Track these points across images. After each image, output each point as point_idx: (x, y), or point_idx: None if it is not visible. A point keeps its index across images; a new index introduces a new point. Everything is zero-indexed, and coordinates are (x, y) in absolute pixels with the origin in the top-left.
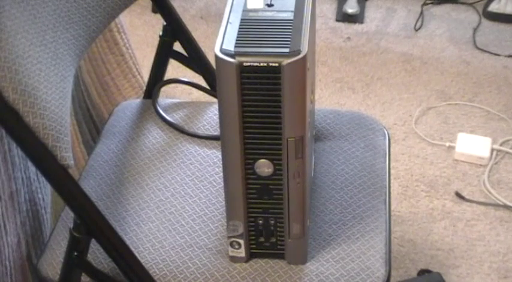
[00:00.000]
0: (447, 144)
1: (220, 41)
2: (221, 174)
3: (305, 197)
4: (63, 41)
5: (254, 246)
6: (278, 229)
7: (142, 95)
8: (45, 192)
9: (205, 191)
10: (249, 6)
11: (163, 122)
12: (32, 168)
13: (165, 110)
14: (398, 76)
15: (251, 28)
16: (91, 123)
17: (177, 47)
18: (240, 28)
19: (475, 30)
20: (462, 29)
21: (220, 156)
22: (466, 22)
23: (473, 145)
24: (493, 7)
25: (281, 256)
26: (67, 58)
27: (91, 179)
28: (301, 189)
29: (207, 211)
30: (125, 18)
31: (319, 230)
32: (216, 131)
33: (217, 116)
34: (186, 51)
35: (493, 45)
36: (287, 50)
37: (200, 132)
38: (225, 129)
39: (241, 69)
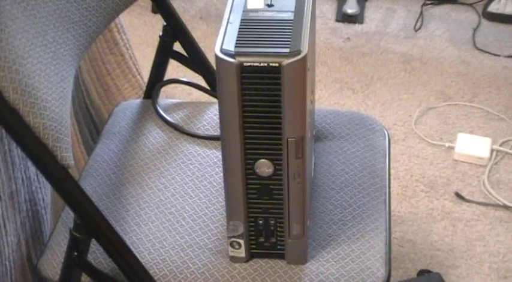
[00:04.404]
0: (447, 144)
1: (220, 41)
2: (221, 174)
3: (305, 197)
4: (64, 41)
5: (254, 246)
6: (278, 229)
7: (143, 95)
8: (45, 192)
9: (205, 191)
10: (249, 6)
11: (163, 122)
12: (32, 168)
13: (165, 110)
14: (398, 76)
15: (251, 28)
16: (91, 123)
17: (177, 47)
18: (240, 28)
19: (474, 30)
20: (462, 29)
21: (220, 156)
22: (466, 22)
23: (473, 145)
24: (493, 7)
25: (281, 256)
26: (67, 58)
27: (91, 179)
28: (301, 189)
29: (207, 211)
30: (125, 19)
31: (319, 230)
32: (216, 131)
33: (217, 116)
34: (186, 51)
35: (493, 46)
36: (287, 50)
37: (200, 132)
38: (225, 129)
39: (242, 69)
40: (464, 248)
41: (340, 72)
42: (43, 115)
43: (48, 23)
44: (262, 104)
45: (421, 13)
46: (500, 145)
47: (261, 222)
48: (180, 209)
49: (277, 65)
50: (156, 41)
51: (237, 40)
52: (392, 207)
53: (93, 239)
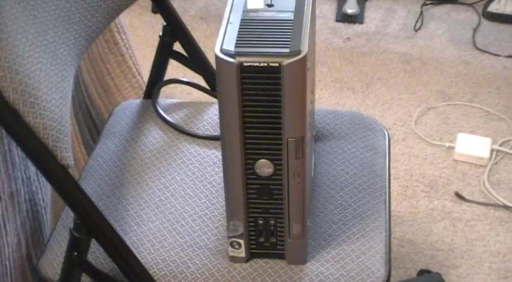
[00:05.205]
0: (447, 144)
1: (220, 41)
2: (221, 174)
3: (305, 197)
4: (63, 41)
5: (254, 246)
6: (278, 229)
7: (142, 95)
8: (45, 192)
9: (205, 191)
10: (249, 6)
11: (163, 122)
12: (32, 168)
13: (165, 110)
14: (398, 76)
15: (251, 28)
16: (91, 123)
17: (177, 47)
18: (240, 28)
19: (474, 30)
20: (462, 29)
21: (220, 156)
22: (466, 22)
23: (473, 145)
24: (493, 7)
25: (281, 256)
26: (67, 58)
27: (91, 179)
28: (301, 189)
29: (207, 211)
30: (125, 19)
31: (319, 230)
32: (216, 131)
33: (217, 116)
34: (186, 52)
35: (493, 46)
36: (287, 50)
37: (200, 132)
38: (225, 129)
39: (242, 69)
40: (464, 248)
41: (340, 72)
42: (43, 115)
43: (48, 23)
44: (262, 104)
45: (421, 13)
46: (500, 145)
47: (261, 222)
48: (180, 209)
49: (277, 65)
50: (156, 41)
51: (237, 40)
52: (392, 207)
53: (93, 239)
